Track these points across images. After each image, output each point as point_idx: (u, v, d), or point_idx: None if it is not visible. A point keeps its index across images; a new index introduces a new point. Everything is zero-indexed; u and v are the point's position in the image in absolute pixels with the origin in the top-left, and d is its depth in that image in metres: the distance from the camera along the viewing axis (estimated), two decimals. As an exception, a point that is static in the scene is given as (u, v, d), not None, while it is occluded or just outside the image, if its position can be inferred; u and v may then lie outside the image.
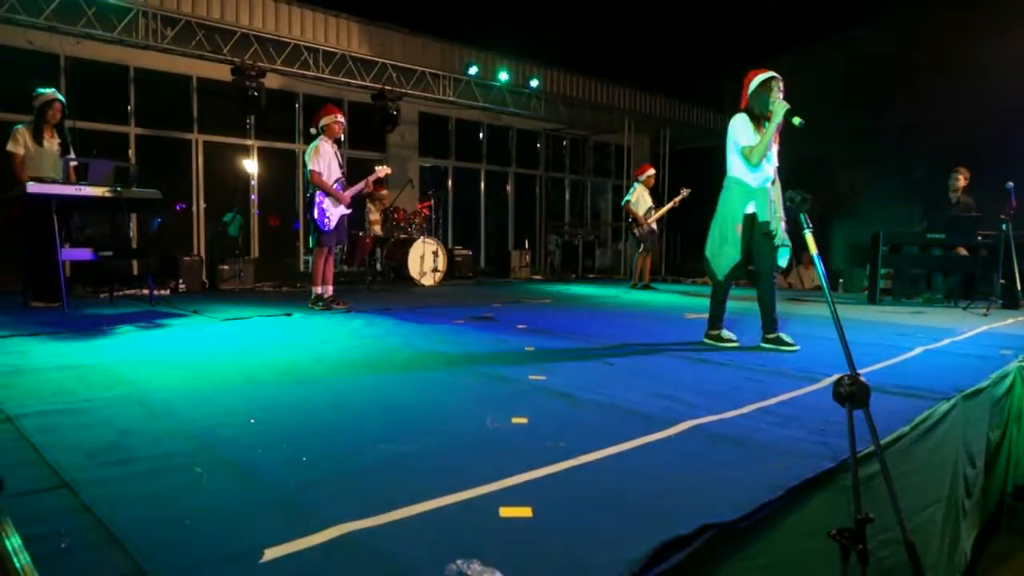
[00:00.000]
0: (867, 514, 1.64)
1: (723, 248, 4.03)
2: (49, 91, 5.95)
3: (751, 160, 3.91)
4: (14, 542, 1.08)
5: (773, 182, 4.00)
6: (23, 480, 1.70)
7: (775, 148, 4.01)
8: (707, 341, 4.22)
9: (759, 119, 3.94)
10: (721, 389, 2.96)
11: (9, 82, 8.10)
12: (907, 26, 10.72)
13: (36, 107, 5.85)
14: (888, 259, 7.93)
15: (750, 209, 3.94)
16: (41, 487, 1.68)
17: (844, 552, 1.65)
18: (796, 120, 3.62)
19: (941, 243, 7.51)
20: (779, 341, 4.05)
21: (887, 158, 11.23)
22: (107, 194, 5.58)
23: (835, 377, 2.79)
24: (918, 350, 4.10)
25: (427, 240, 9.38)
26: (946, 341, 4.49)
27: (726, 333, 4.20)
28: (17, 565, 1.02)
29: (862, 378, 1.81)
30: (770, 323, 4.09)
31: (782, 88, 3.91)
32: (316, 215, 5.81)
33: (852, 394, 1.78)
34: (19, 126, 5.85)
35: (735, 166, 4.02)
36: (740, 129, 3.96)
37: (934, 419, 2.54)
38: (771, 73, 3.94)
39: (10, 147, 5.75)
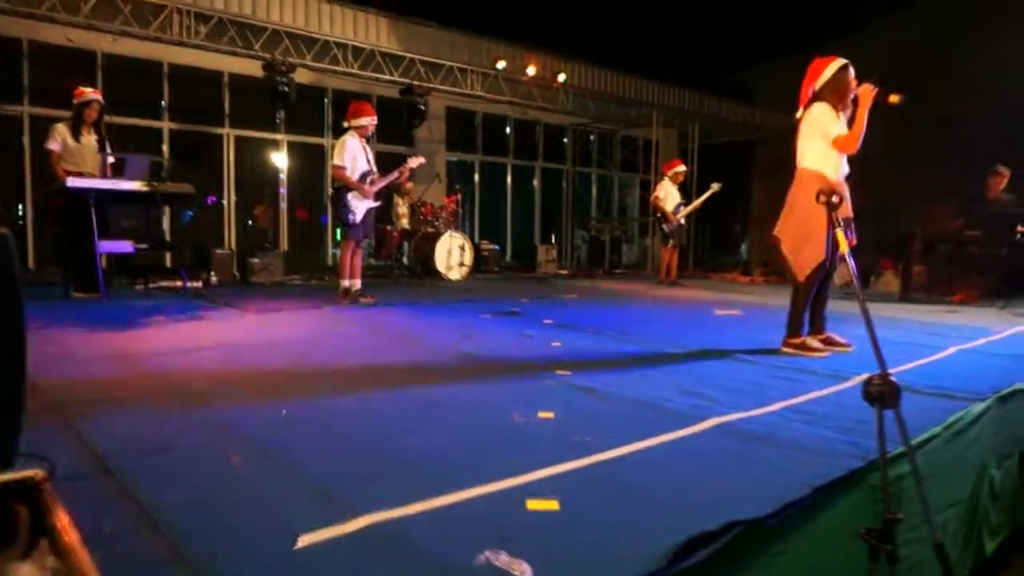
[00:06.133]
0: (896, 514, 1.63)
1: (806, 245, 3.73)
2: (88, 91, 6.09)
3: (848, 148, 3.67)
4: (64, 521, 1.13)
5: (848, 176, 3.83)
6: (68, 466, 1.76)
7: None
8: (785, 351, 3.81)
9: (837, 107, 3.73)
10: (748, 387, 2.95)
11: (50, 79, 8.32)
12: (948, 14, 10.47)
13: (75, 105, 5.99)
14: (922, 257, 7.78)
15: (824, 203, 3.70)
16: (85, 473, 1.74)
17: (872, 552, 1.64)
18: (894, 98, 3.47)
19: (978, 240, 7.35)
20: (831, 341, 3.90)
21: (923, 152, 10.99)
22: (143, 188, 5.71)
23: (865, 376, 2.75)
24: (952, 350, 4.02)
25: (454, 234, 9.42)
26: (981, 341, 4.40)
27: (812, 341, 3.82)
28: (67, 542, 1.07)
29: (892, 378, 1.79)
30: (821, 322, 3.95)
31: (854, 76, 3.73)
32: (342, 209, 5.88)
33: (882, 394, 1.76)
34: (58, 124, 5.99)
35: (813, 157, 3.76)
36: (828, 119, 3.71)
37: (967, 420, 2.51)
38: (843, 61, 3.75)
39: (49, 145, 5.90)
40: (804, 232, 3.71)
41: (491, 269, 11.10)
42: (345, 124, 6.05)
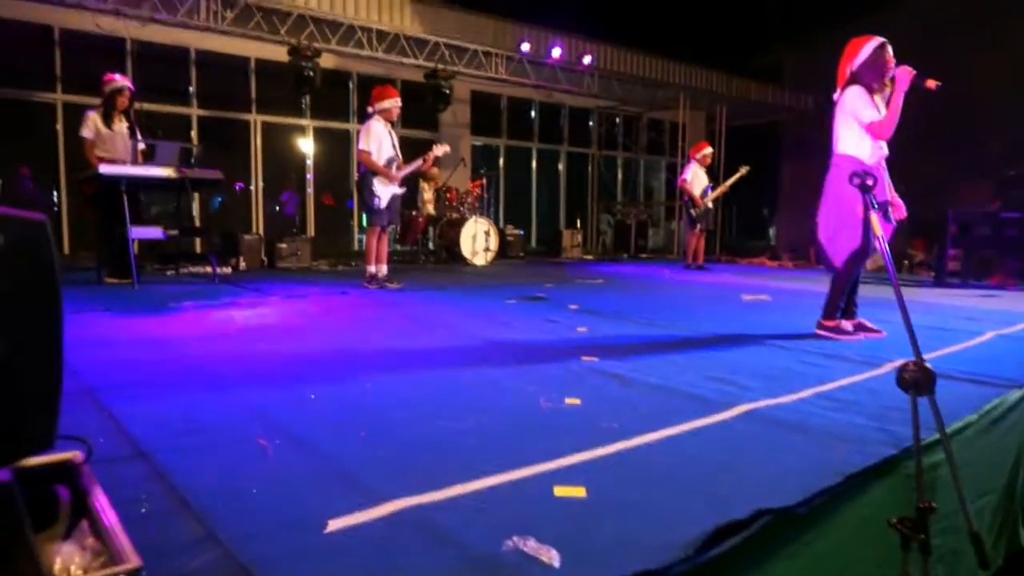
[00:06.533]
0: (930, 503, 1.60)
1: (841, 232, 3.67)
2: (119, 78, 6.17)
3: (883, 134, 3.57)
4: (103, 502, 1.16)
5: (887, 159, 3.73)
6: (104, 448, 1.80)
7: None
8: (820, 333, 3.80)
9: (872, 90, 3.63)
10: (778, 373, 2.91)
11: (80, 65, 8.44)
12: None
13: (106, 92, 6.07)
14: (958, 239, 7.60)
15: (858, 186, 3.60)
16: (120, 455, 1.78)
17: (904, 541, 1.62)
18: (931, 83, 3.35)
19: (1016, 223, 7.15)
20: (863, 327, 3.84)
21: (960, 131, 10.70)
22: (173, 175, 5.78)
23: (897, 362, 2.70)
24: (989, 335, 3.93)
25: (479, 219, 9.42)
26: (1019, 326, 4.29)
27: (845, 325, 3.79)
28: (106, 523, 1.09)
29: (927, 364, 1.76)
30: (852, 307, 3.88)
31: (891, 54, 3.61)
32: (367, 194, 5.90)
33: (917, 380, 1.72)
34: (90, 112, 6.08)
35: (848, 142, 3.68)
36: (862, 103, 3.59)
37: (1005, 407, 2.45)
38: (881, 39, 3.62)
39: (82, 132, 6.00)
40: (839, 218, 3.66)
41: (516, 254, 11.09)
42: (369, 109, 6.03)
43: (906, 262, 10.17)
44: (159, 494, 1.54)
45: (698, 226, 9.22)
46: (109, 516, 1.15)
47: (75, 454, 1.35)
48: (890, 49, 3.62)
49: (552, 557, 1.27)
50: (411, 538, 1.36)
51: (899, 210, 3.74)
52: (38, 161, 8.46)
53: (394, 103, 5.96)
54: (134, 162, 6.00)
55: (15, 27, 8.07)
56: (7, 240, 0.98)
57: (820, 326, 3.82)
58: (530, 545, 1.30)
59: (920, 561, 1.60)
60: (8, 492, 1.08)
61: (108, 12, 8.07)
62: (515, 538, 1.33)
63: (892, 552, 1.63)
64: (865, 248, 3.61)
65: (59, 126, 8.54)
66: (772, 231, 16.76)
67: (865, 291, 4.04)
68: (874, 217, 2.38)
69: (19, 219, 1.01)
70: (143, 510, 1.45)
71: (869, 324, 3.86)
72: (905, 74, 3.45)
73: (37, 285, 1.04)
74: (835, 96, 3.76)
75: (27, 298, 1.03)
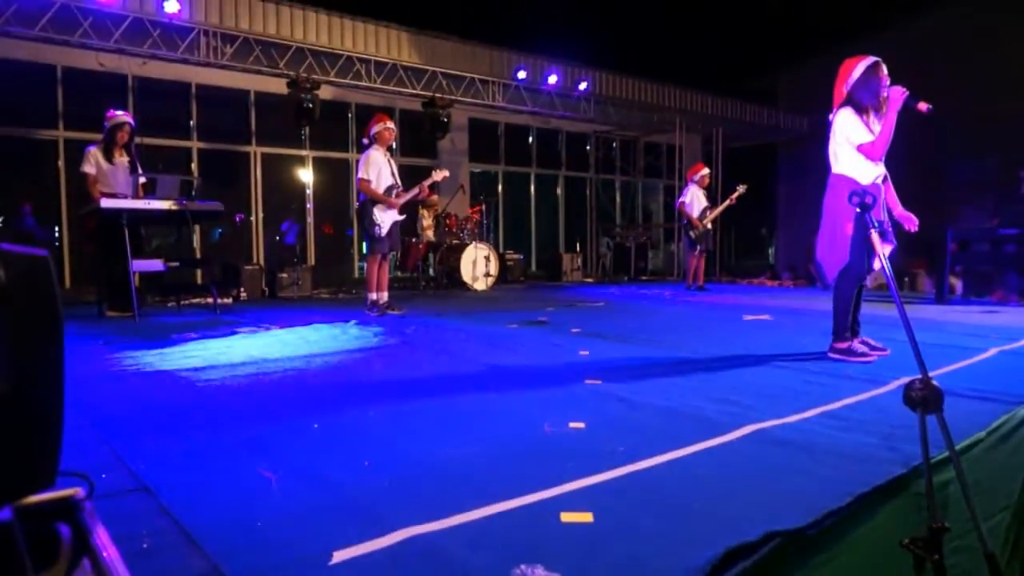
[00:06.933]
0: (943, 523, 1.58)
1: (833, 250, 3.68)
2: (120, 114, 6.24)
3: (873, 156, 3.59)
4: (104, 539, 1.14)
5: (884, 178, 3.73)
6: (105, 483, 1.78)
7: None
8: (832, 356, 3.75)
9: (866, 110, 3.65)
10: (782, 392, 2.90)
11: (83, 103, 8.54)
12: (981, 8, 10.26)
13: (107, 128, 6.14)
14: (957, 256, 7.61)
15: (856, 206, 3.58)
16: (123, 490, 1.76)
17: (918, 562, 1.59)
18: (923, 105, 3.35)
19: (1015, 239, 7.17)
20: (866, 345, 3.81)
21: (957, 149, 10.76)
22: (173, 207, 5.81)
23: (902, 380, 2.69)
24: (993, 351, 3.92)
25: (479, 245, 9.45)
26: (1023, 342, 4.28)
27: (858, 346, 3.75)
28: (108, 561, 1.08)
29: (934, 382, 1.75)
30: (855, 326, 3.86)
31: (886, 73, 3.63)
32: (368, 222, 5.93)
33: (924, 398, 1.72)
34: (91, 147, 6.14)
35: (844, 163, 3.70)
36: (852, 125, 3.61)
37: (1013, 424, 2.43)
38: (874, 58, 3.65)
39: (83, 168, 6.05)
40: (832, 237, 3.68)
41: (516, 279, 11.11)
42: (364, 140, 6.12)
43: (906, 279, 10.17)
44: (162, 529, 1.52)
45: (698, 247, 9.24)
46: (111, 553, 1.13)
47: (76, 491, 1.33)
48: (884, 68, 3.64)
49: (560, 585, 1.25)
50: (418, 567, 1.34)
51: (911, 223, 3.76)
52: (40, 197, 8.52)
53: (384, 126, 6.02)
54: (135, 196, 6.04)
55: (19, 67, 8.18)
56: (9, 276, 0.98)
57: (833, 349, 3.78)
58: (538, 573, 1.29)
59: (934, 582, 1.58)
60: (8, 531, 1.06)
61: (111, 50, 8.19)
62: (523, 566, 1.31)
63: (904, 573, 1.61)
64: (855, 266, 3.61)
65: (61, 162, 8.62)
66: (771, 251, 16.80)
67: (867, 309, 4.03)
68: (875, 235, 2.38)
69: (22, 255, 1.01)
70: (145, 545, 1.43)
71: (873, 342, 3.85)
72: (898, 95, 3.45)
73: (40, 321, 1.04)
74: (830, 117, 3.78)
75: (30, 334, 1.02)
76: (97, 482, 1.62)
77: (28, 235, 8.16)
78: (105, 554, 1.12)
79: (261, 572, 1.32)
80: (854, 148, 3.64)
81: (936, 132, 10.67)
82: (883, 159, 3.66)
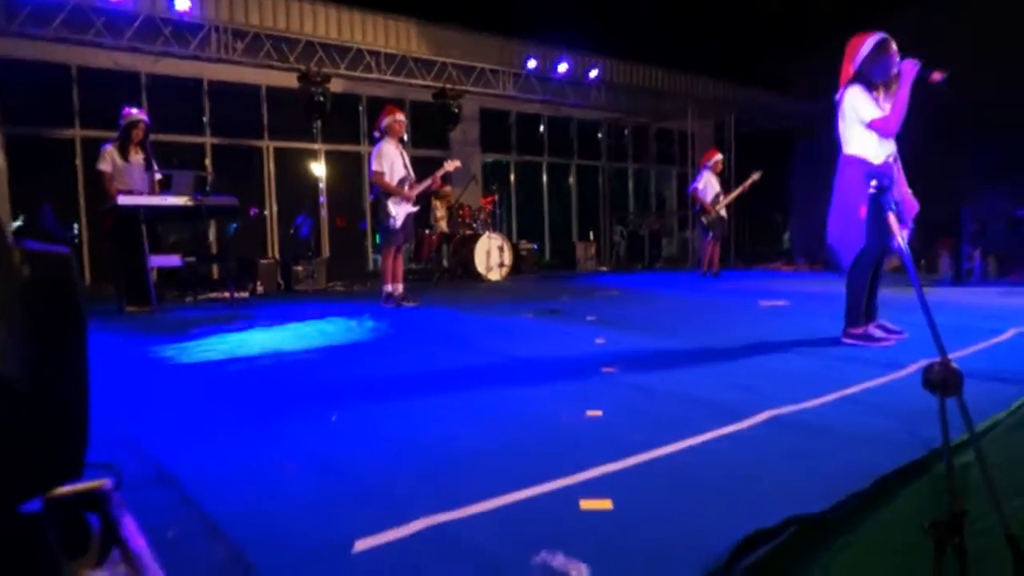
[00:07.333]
0: (963, 507, 1.57)
1: (848, 233, 3.60)
2: (135, 112, 6.29)
3: (887, 131, 3.51)
4: (132, 528, 1.17)
5: (895, 159, 3.65)
6: (131, 474, 1.81)
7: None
8: (847, 342, 3.68)
9: (876, 87, 3.56)
10: (801, 378, 2.89)
11: (98, 101, 8.62)
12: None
13: (122, 126, 6.19)
14: (976, 238, 7.52)
15: (874, 188, 3.43)
16: (147, 481, 1.79)
17: (939, 546, 1.59)
18: (938, 75, 3.26)
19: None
20: (884, 329, 3.76)
21: (975, 130, 10.60)
22: (189, 203, 5.86)
23: (920, 364, 2.67)
24: (1011, 332, 3.87)
25: (492, 235, 9.45)
26: (1043, 323, 4.23)
27: (874, 331, 3.69)
28: (136, 550, 1.10)
29: (954, 364, 1.73)
30: (872, 310, 3.79)
31: (895, 49, 3.54)
32: (382, 215, 5.95)
33: (944, 381, 1.70)
34: (107, 146, 6.20)
35: (854, 143, 3.62)
36: (862, 102, 3.51)
37: (1033, 405, 2.40)
38: (883, 34, 3.55)
39: (100, 166, 6.11)
40: (846, 220, 3.61)
41: (530, 268, 11.11)
42: (375, 133, 6.13)
43: (923, 261, 10.05)
44: (187, 519, 1.55)
45: (710, 234, 9.18)
46: (139, 543, 1.16)
47: (104, 482, 1.37)
48: (894, 44, 3.54)
49: (581, 572, 1.26)
50: (439, 556, 1.35)
51: (911, 207, 3.69)
52: (59, 196, 8.61)
53: (395, 119, 6.03)
54: (151, 193, 6.10)
55: (35, 67, 8.27)
56: (35, 274, 1.00)
57: (847, 334, 3.72)
58: (559, 560, 1.30)
59: (956, 566, 1.57)
60: (41, 522, 1.09)
61: (124, 49, 8.25)
62: (543, 553, 1.32)
63: (926, 557, 1.60)
64: (872, 249, 3.55)
65: (78, 161, 8.71)
66: (786, 236, 16.66)
67: (884, 292, 3.99)
68: (892, 217, 2.36)
69: (46, 254, 1.03)
70: (170, 535, 1.46)
71: (890, 325, 3.81)
72: (911, 67, 3.37)
73: (64, 317, 1.06)
74: (837, 96, 3.70)
75: (55, 329, 1.05)
76: (126, 473, 1.65)
77: (48, 233, 8.27)
78: (133, 543, 1.14)
79: (285, 560, 1.34)
80: (864, 126, 3.56)
81: (952, 113, 10.53)
82: (895, 135, 3.57)
